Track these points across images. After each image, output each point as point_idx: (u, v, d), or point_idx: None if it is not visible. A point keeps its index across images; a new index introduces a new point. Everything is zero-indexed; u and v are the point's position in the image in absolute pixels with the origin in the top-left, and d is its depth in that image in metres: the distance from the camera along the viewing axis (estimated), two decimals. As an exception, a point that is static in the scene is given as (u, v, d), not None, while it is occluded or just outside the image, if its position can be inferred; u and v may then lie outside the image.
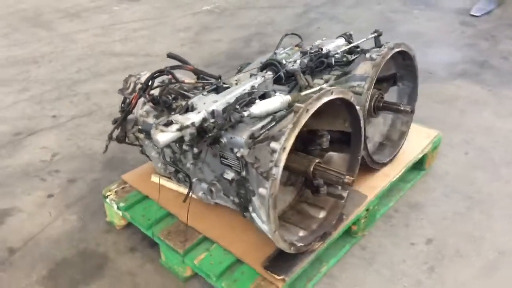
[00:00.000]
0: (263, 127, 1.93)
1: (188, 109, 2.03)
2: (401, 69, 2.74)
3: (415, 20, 5.81)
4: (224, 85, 2.21)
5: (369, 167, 2.55)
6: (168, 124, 1.88)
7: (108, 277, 2.35)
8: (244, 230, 2.24)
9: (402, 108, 2.51)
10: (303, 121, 1.73)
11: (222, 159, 2.02)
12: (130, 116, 2.28)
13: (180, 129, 1.86)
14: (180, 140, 1.96)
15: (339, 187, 2.23)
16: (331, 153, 2.26)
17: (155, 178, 2.59)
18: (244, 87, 2.13)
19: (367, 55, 2.39)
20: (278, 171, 1.68)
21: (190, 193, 2.10)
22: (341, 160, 2.27)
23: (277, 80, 2.35)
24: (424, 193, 2.84)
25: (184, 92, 2.23)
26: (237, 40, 5.30)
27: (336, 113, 2.12)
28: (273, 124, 1.93)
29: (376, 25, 5.44)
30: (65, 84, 4.41)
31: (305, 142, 2.16)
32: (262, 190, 1.71)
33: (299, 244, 1.99)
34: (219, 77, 2.27)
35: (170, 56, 2.50)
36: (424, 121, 3.09)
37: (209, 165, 2.13)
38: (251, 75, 2.28)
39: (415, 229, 2.58)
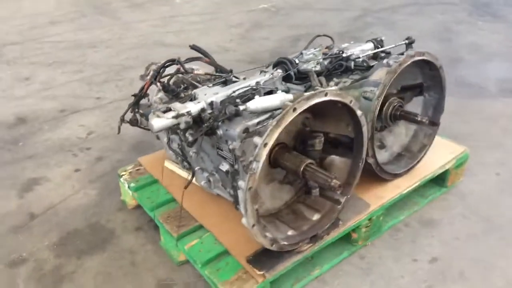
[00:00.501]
0: (259, 122, 1.95)
1: (192, 99, 2.09)
2: (428, 79, 2.63)
3: (479, 32, 5.51)
4: (234, 79, 2.25)
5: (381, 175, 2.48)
6: (167, 111, 1.95)
7: (110, 251, 2.47)
8: (238, 222, 2.22)
9: (419, 119, 2.41)
10: (288, 119, 1.73)
11: (218, 150, 2.06)
12: (144, 101, 2.39)
13: (176, 116, 1.92)
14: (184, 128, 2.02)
15: (338, 192, 2.19)
16: (333, 156, 2.23)
17: (167, 164, 2.69)
18: (249, 83, 2.16)
19: (385, 61, 2.33)
20: (257, 166, 1.70)
21: (193, 181, 2.17)
22: (343, 165, 2.23)
23: (287, 79, 2.35)
24: (442, 210, 2.71)
25: (195, 83, 2.30)
26: (285, 39, 5.31)
27: (339, 116, 2.09)
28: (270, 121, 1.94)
29: (435, 34, 5.27)
30: (114, 69, 4.67)
31: (306, 142, 2.14)
32: (241, 183, 1.73)
33: (283, 243, 1.99)
34: (231, 71, 2.32)
35: (193, 47, 2.57)
36: (460, 136, 2.94)
37: (209, 156, 2.18)
38: (260, 72, 2.30)
39: (422, 246, 2.47)
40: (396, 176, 2.57)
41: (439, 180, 2.79)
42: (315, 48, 2.77)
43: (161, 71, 2.24)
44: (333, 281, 2.29)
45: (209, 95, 2.05)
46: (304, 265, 2.28)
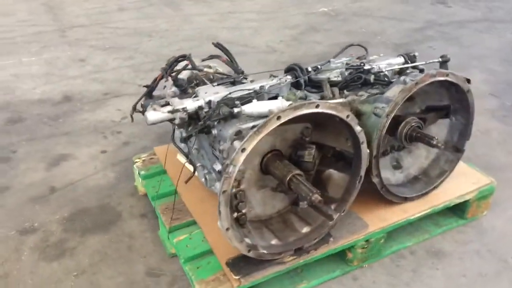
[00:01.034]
0: (253, 126, 1.93)
1: (195, 96, 2.12)
2: (456, 102, 2.47)
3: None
4: (243, 81, 2.25)
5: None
6: (165, 105, 1.99)
7: (112, 233, 2.57)
8: (230, 224, 2.27)
9: (434, 142, 2.26)
10: (270, 127, 1.70)
11: (213, 149, 2.08)
12: (158, 93, 2.45)
13: (172, 111, 1.96)
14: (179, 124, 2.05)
15: (332, 207, 2.13)
16: (332, 170, 2.16)
17: (180, 157, 2.74)
18: (254, 86, 2.14)
19: (402, 78, 2.21)
20: (234, 170, 1.69)
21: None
22: (341, 180, 2.15)
23: (297, 86, 2.31)
24: (455, 243, 2.53)
25: (206, 81, 2.32)
26: (337, 45, 5.18)
27: (339, 130, 2.02)
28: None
29: (500, 55, 4.91)
30: (163, 59, 4.77)
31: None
32: (217, 185, 1.73)
33: (262, 251, 1.96)
34: (242, 72, 2.32)
35: (216, 45, 2.59)
36: (495, 166, 2.71)
37: (207, 154, 2.20)
38: (270, 76, 2.27)
39: (423, 277, 2.32)
40: (407, 200, 2.44)
41: (458, 211, 2.61)
42: (346, 58, 2.71)
43: (172, 65, 2.29)
44: (318, 298, 2.22)
45: (209, 94, 2.06)
46: (291, 277, 2.23)
